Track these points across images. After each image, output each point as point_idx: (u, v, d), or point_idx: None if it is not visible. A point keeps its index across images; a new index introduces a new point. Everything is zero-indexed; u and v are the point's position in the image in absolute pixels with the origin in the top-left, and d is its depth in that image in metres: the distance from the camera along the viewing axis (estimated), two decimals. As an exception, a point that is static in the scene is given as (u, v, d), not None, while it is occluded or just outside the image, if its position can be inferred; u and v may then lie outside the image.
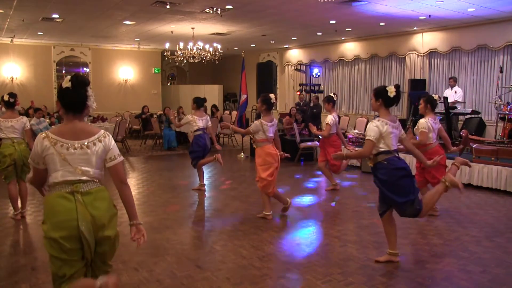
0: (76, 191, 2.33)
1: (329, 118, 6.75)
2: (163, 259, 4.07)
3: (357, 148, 6.42)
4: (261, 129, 5.22)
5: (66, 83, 2.38)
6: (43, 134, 2.40)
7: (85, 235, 2.29)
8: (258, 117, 5.48)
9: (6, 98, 5.19)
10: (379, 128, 3.68)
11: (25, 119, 5.31)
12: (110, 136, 2.50)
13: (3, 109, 10.72)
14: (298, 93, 13.37)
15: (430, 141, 5.19)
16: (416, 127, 5.31)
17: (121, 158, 2.48)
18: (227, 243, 4.54)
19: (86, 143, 2.38)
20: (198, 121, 6.75)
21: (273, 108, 5.47)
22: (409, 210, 3.67)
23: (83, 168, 2.37)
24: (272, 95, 5.31)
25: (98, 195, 2.39)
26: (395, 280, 3.64)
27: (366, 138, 3.74)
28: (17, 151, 5.14)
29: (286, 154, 5.49)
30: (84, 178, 2.36)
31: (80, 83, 2.39)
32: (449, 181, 3.70)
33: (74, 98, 2.39)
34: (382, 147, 3.70)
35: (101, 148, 2.41)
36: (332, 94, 7.11)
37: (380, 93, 3.79)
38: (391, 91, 3.72)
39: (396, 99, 3.75)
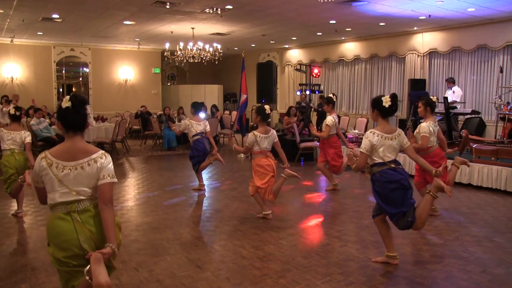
0: (72, 211, 2.37)
1: (329, 119, 6.76)
2: (163, 259, 4.07)
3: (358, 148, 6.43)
4: (255, 141, 5.24)
5: (66, 103, 2.39)
6: (43, 154, 2.43)
7: (89, 252, 2.34)
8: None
9: (12, 111, 5.45)
10: (370, 140, 3.70)
11: (27, 133, 5.48)
12: (109, 157, 2.49)
13: (4, 109, 10.78)
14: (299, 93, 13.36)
15: (432, 144, 5.21)
16: (417, 130, 5.29)
17: (114, 179, 2.45)
18: (227, 243, 4.54)
19: (81, 164, 2.39)
20: (195, 126, 6.77)
21: (269, 119, 5.48)
22: (400, 221, 3.68)
23: (78, 188, 2.39)
24: (267, 106, 5.31)
25: (95, 211, 2.42)
26: (395, 280, 3.64)
27: (359, 150, 3.77)
28: (17, 160, 5.35)
29: (284, 166, 5.46)
30: (80, 197, 2.39)
31: (80, 102, 2.42)
32: (433, 190, 3.71)
33: (75, 118, 2.41)
34: (376, 158, 3.71)
35: (96, 168, 2.41)
36: (331, 95, 7.10)
37: (375, 103, 3.78)
38: (386, 101, 3.70)
39: (391, 109, 3.72)
